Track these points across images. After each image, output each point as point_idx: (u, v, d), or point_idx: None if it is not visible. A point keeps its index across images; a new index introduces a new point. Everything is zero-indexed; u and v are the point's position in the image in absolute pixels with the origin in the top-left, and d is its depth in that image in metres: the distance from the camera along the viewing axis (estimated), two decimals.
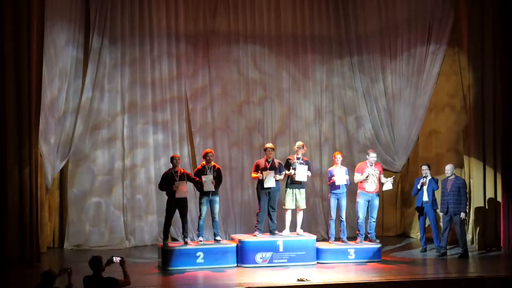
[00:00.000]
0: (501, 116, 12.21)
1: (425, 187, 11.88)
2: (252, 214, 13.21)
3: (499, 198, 12.26)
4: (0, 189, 10.75)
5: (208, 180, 10.97)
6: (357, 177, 11.50)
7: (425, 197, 11.90)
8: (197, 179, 11.09)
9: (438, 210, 12.03)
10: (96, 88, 12.96)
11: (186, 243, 10.99)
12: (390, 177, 11.93)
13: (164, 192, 11.18)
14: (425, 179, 11.88)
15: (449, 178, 11.70)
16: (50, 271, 6.97)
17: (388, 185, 11.63)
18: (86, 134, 12.94)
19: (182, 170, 11.14)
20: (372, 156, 11.52)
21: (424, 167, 12.00)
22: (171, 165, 11.13)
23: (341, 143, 14.23)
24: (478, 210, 12.35)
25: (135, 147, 13.23)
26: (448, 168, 11.77)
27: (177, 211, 11.03)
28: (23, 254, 10.85)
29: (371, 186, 11.44)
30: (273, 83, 14.01)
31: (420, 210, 12.00)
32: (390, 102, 14.09)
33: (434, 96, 13.50)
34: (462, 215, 11.56)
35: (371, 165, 11.50)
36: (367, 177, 11.41)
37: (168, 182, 10.97)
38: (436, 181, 11.93)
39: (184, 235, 11.16)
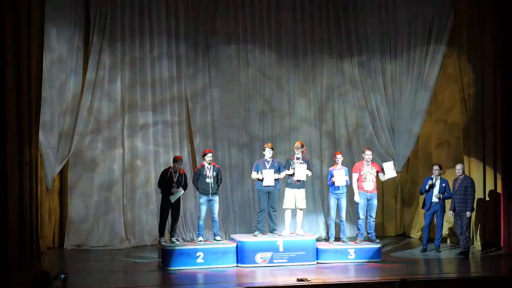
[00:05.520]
0: (501, 116, 12.21)
1: (435, 188, 11.88)
2: (252, 214, 13.23)
3: (499, 198, 12.25)
4: (0, 189, 10.74)
5: (177, 193, 11.06)
6: (355, 178, 11.50)
7: (435, 198, 11.90)
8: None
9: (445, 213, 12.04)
10: (96, 88, 12.95)
11: (173, 242, 11.04)
12: (389, 161, 11.77)
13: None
14: (434, 179, 11.89)
15: (458, 177, 11.72)
16: (45, 272, 6.66)
17: (390, 171, 11.46)
18: (86, 134, 12.93)
19: (181, 171, 11.23)
20: (368, 154, 11.53)
21: (435, 167, 12.01)
22: (171, 164, 11.15)
23: (341, 143, 14.20)
24: (478, 210, 12.33)
25: (135, 147, 13.22)
26: (458, 167, 11.80)
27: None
28: (23, 254, 10.82)
29: (369, 185, 11.44)
30: (273, 83, 13.99)
31: (429, 210, 12.00)
32: (390, 102, 14.08)
33: (434, 96, 13.50)
34: (468, 214, 11.57)
35: (367, 164, 11.50)
36: (365, 176, 11.42)
37: (166, 180, 11.02)
38: (446, 183, 11.93)
39: (172, 234, 11.22)
